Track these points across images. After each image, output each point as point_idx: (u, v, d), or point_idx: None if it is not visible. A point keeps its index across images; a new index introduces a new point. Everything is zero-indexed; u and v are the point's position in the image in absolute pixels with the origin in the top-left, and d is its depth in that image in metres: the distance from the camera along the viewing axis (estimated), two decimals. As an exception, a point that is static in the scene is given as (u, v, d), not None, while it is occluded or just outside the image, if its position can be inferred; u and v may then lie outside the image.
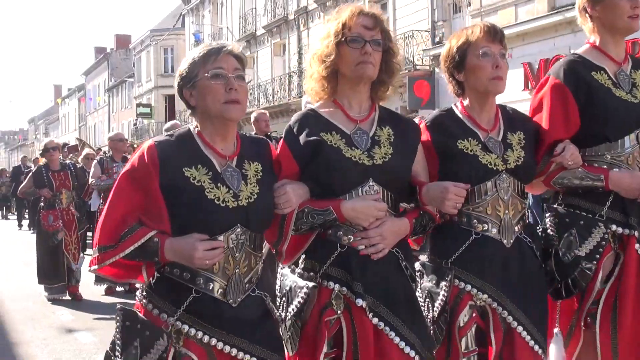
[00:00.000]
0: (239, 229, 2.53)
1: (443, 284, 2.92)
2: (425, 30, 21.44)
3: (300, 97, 27.18)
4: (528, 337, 2.92)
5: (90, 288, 9.09)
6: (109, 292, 9.04)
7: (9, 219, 27.79)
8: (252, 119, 8.86)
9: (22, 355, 6.41)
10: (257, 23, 33.38)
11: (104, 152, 12.12)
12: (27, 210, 22.33)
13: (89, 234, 11.05)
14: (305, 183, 2.76)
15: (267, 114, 9.36)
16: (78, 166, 10.08)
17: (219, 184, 2.52)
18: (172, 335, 2.48)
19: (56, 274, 8.83)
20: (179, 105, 45.31)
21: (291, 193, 2.67)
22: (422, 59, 21.44)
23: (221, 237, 2.50)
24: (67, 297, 8.85)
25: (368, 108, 2.91)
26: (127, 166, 2.60)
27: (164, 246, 2.45)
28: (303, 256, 2.82)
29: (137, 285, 2.66)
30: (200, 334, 2.49)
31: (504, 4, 18.39)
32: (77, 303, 8.62)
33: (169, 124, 9.23)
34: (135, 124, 50.00)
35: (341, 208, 2.70)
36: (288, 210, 2.66)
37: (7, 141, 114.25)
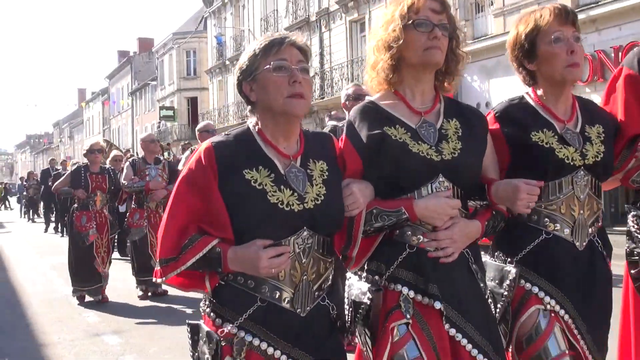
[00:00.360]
0: (305, 232, 2.36)
1: (506, 283, 2.72)
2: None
3: (323, 98, 27.28)
4: (586, 349, 2.74)
5: (116, 291, 9.17)
6: (144, 297, 9.00)
7: (35, 222, 27.93)
8: None
9: (50, 356, 6.48)
10: (278, 25, 33.44)
11: (133, 155, 12.06)
12: (54, 214, 22.42)
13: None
14: (368, 181, 2.55)
15: None
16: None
17: (282, 187, 2.34)
18: (234, 345, 2.32)
19: (91, 276, 8.77)
20: (202, 107, 45.59)
21: (358, 193, 2.47)
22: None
23: (286, 242, 2.33)
24: (91, 299, 8.87)
25: (432, 99, 2.68)
26: (185, 171, 2.43)
27: (227, 256, 2.31)
28: (368, 259, 2.62)
29: (201, 294, 2.51)
30: (264, 345, 2.34)
31: (527, 2, 18.26)
32: (104, 305, 8.65)
33: (202, 124, 9.22)
34: (158, 127, 50.26)
35: (414, 208, 2.48)
36: (356, 211, 2.47)
37: (32, 145, 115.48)
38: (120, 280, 9.70)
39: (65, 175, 9.37)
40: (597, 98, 12.89)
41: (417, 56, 2.55)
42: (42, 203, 26.91)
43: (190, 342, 2.42)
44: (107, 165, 9.84)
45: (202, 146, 2.42)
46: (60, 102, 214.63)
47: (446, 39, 2.60)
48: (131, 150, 27.65)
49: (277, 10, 33.60)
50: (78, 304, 8.74)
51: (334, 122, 6.60)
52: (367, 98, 2.82)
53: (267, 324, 2.34)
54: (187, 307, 8.13)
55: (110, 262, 9.04)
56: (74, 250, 8.91)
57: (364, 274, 2.60)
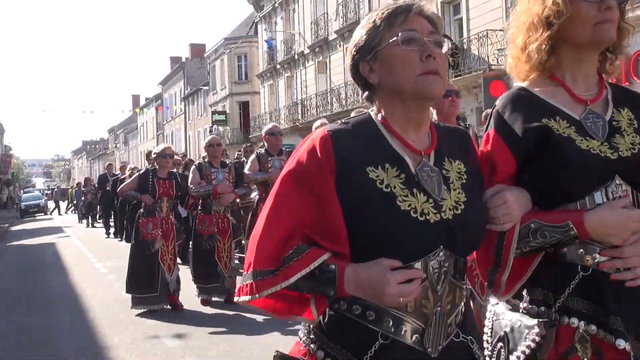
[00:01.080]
0: (442, 253, 1.83)
1: None
2: (500, 30, 21.10)
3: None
4: None
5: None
6: (206, 302, 8.74)
7: (95, 227, 28.24)
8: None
9: (112, 358, 6.60)
10: (329, 28, 33.50)
11: (191, 159, 11.96)
12: (113, 218, 22.46)
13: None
14: (522, 187, 2.07)
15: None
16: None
17: (414, 190, 1.84)
18: None
19: (151, 284, 8.43)
20: (253, 111, 45.90)
21: (513, 202, 1.98)
22: (497, 59, 21.11)
23: (419, 265, 1.81)
24: (154, 307, 8.49)
25: (596, 84, 2.20)
26: (291, 164, 1.91)
27: (344, 276, 1.79)
28: (527, 285, 2.13)
29: (302, 325, 1.97)
30: None
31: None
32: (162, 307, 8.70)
33: (269, 125, 9.25)
34: (210, 131, 50.80)
35: (584, 223, 1.98)
36: (508, 225, 1.99)
37: (88, 151, 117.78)
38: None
39: (133, 178, 9.11)
40: None
41: (585, 33, 2.08)
42: (98, 207, 27.22)
43: None
44: (174, 170, 9.61)
45: (314, 134, 1.92)
46: (115, 108, 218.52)
47: (617, 9, 2.09)
48: (188, 154, 27.95)
49: (327, 13, 33.65)
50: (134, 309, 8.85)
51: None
52: (516, 85, 2.32)
53: None
54: (245, 311, 8.15)
55: (178, 269, 8.76)
56: (138, 257, 8.57)
57: (525, 305, 2.13)
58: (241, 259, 9.19)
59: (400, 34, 1.86)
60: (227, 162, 9.33)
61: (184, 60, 65.17)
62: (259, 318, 7.62)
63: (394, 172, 1.85)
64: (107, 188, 21.53)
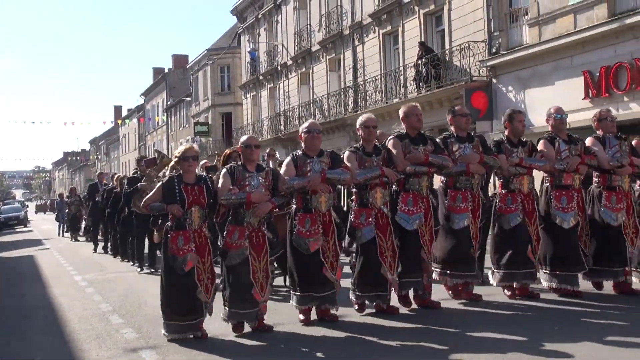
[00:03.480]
0: None
1: None
2: (482, 41, 21.22)
3: (356, 111, 27.19)
4: None
5: (156, 310, 9.11)
6: (237, 329, 7.51)
7: (78, 241, 26.90)
8: (402, 114, 8.17)
9: (89, 374, 6.48)
10: (312, 39, 33.55)
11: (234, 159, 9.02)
12: (102, 232, 20.86)
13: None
14: None
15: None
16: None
17: None
18: None
19: (191, 309, 7.29)
20: (236, 122, 45.88)
21: None
22: (479, 70, 21.21)
23: None
24: (198, 334, 7.39)
25: None
26: None
27: None
28: None
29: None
30: None
31: (562, 11, 18.06)
32: (142, 321, 8.56)
33: (306, 123, 7.97)
34: (193, 142, 50.70)
35: None
36: None
37: (70, 162, 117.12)
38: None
39: (156, 188, 7.60)
40: (637, 106, 12.53)
41: None
42: (85, 219, 25.88)
43: None
44: (202, 173, 8.47)
45: None
46: (96, 119, 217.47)
47: None
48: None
49: (310, 24, 33.71)
50: (117, 320, 8.73)
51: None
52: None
53: None
54: (226, 328, 8.03)
55: (215, 291, 7.48)
56: (169, 277, 7.33)
57: None
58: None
59: None
60: (264, 166, 8.10)
61: (166, 71, 65.25)
62: (240, 336, 7.52)
63: None
64: (97, 199, 19.83)
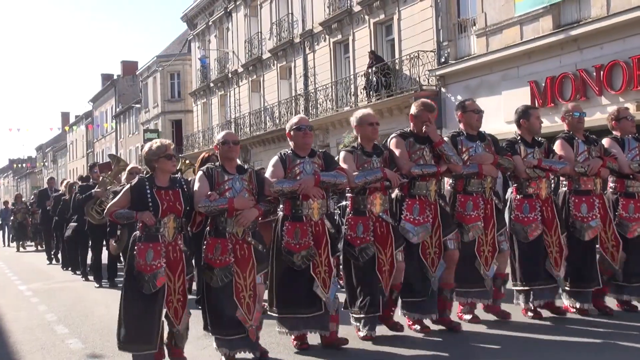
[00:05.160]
0: None
1: None
2: (431, 51, 21.49)
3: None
4: None
5: (103, 320, 9.01)
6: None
7: (26, 250, 26.06)
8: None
9: (33, 386, 6.35)
10: (262, 47, 33.53)
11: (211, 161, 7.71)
12: (55, 242, 18.83)
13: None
14: None
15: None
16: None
17: None
18: None
19: (149, 337, 6.04)
20: (186, 130, 45.54)
21: None
22: (428, 79, 21.47)
23: None
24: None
25: None
26: None
27: None
28: None
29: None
30: None
31: (509, 22, 18.42)
32: (89, 331, 8.40)
33: (295, 118, 7.00)
34: (142, 150, 50.30)
35: None
36: None
37: (15, 169, 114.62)
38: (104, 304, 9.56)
39: (123, 192, 6.44)
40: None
41: None
42: (39, 226, 23.65)
43: None
44: (178, 176, 7.32)
45: None
46: (43, 125, 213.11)
47: None
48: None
49: (261, 32, 33.69)
50: (62, 330, 8.58)
51: None
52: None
53: None
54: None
55: (188, 315, 6.32)
56: (132, 298, 6.06)
57: None
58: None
59: None
60: (246, 167, 6.74)
61: (115, 77, 64.50)
62: (202, 350, 7.42)
63: None
64: (48, 207, 18.34)
